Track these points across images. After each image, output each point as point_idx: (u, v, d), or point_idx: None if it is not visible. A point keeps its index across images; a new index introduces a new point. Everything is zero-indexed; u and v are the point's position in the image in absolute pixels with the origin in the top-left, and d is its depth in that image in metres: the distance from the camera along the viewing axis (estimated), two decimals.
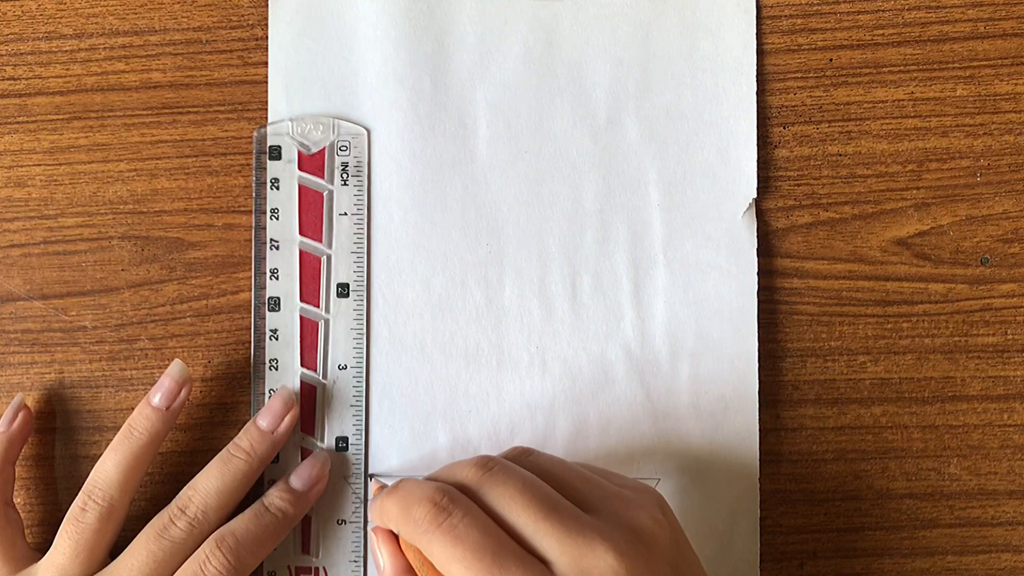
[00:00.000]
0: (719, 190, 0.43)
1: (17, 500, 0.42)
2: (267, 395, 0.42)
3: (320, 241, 0.43)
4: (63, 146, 0.44)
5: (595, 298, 0.43)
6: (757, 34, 0.43)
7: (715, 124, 0.43)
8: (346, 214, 0.43)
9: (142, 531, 0.39)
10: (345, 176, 0.43)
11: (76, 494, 0.40)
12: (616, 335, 0.43)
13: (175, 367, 0.41)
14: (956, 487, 0.43)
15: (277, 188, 0.43)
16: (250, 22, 0.44)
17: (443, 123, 0.43)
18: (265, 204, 0.43)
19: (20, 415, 0.42)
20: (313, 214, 0.43)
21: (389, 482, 0.42)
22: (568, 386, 0.43)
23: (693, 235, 0.43)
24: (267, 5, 0.44)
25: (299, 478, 0.41)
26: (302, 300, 0.43)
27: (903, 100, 0.43)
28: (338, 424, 0.43)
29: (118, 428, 0.41)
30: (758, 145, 0.43)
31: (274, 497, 0.40)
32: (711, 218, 0.43)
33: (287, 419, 0.41)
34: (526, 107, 0.43)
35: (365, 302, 0.43)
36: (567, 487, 0.35)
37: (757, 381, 0.42)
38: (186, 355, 0.43)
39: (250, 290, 0.43)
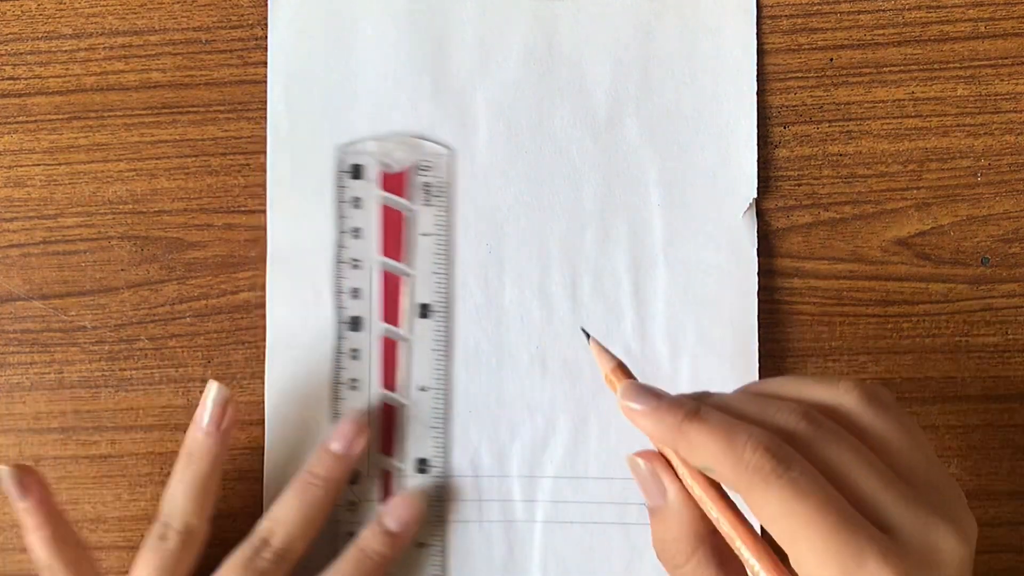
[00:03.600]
0: (719, 190, 0.43)
1: None
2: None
3: (401, 261, 0.43)
4: (63, 146, 0.44)
5: (595, 298, 0.43)
6: (757, 34, 0.43)
7: (715, 124, 0.43)
8: (427, 234, 0.43)
9: (225, 563, 0.38)
10: (427, 196, 0.43)
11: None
12: (616, 335, 0.42)
13: (212, 390, 0.40)
14: None
15: (358, 207, 0.43)
16: (250, 22, 0.44)
17: (443, 123, 0.43)
18: (345, 223, 0.43)
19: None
20: (394, 234, 0.43)
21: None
22: (568, 386, 0.42)
23: (693, 235, 0.43)
24: (267, 5, 0.44)
25: (394, 520, 0.41)
26: (383, 320, 0.43)
27: (903, 100, 0.43)
28: (418, 446, 0.42)
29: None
30: (758, 145, 0.43)
31: (371, 541, 0.40)
32: (711, 218, 0.43)
33: (359, 442, 0.41)
34: (526, 107, 0.43)
35: (447, 322, 0.42)
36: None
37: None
38: (186, 355, 0.43)
39: (251, 290, 0.43)
